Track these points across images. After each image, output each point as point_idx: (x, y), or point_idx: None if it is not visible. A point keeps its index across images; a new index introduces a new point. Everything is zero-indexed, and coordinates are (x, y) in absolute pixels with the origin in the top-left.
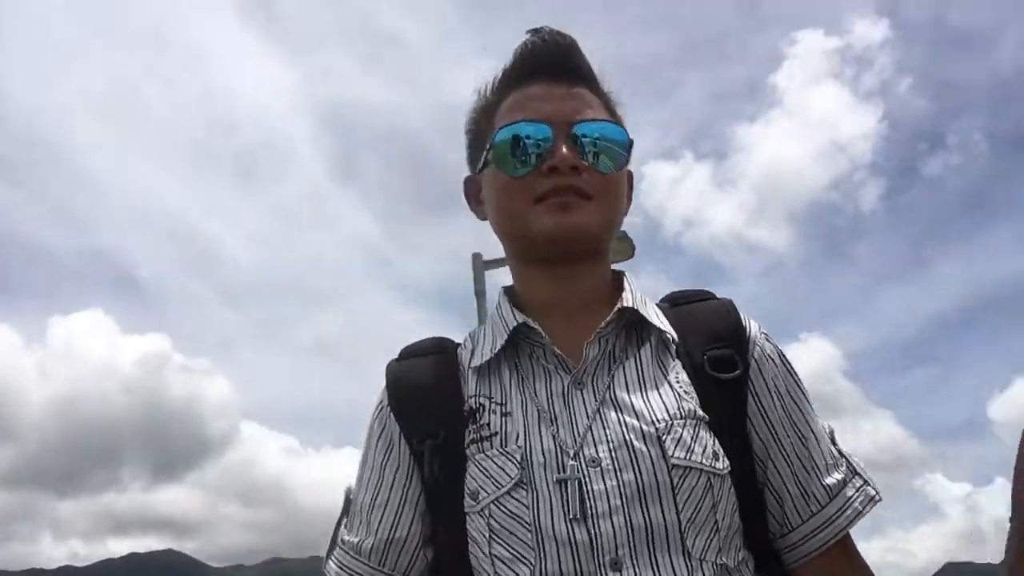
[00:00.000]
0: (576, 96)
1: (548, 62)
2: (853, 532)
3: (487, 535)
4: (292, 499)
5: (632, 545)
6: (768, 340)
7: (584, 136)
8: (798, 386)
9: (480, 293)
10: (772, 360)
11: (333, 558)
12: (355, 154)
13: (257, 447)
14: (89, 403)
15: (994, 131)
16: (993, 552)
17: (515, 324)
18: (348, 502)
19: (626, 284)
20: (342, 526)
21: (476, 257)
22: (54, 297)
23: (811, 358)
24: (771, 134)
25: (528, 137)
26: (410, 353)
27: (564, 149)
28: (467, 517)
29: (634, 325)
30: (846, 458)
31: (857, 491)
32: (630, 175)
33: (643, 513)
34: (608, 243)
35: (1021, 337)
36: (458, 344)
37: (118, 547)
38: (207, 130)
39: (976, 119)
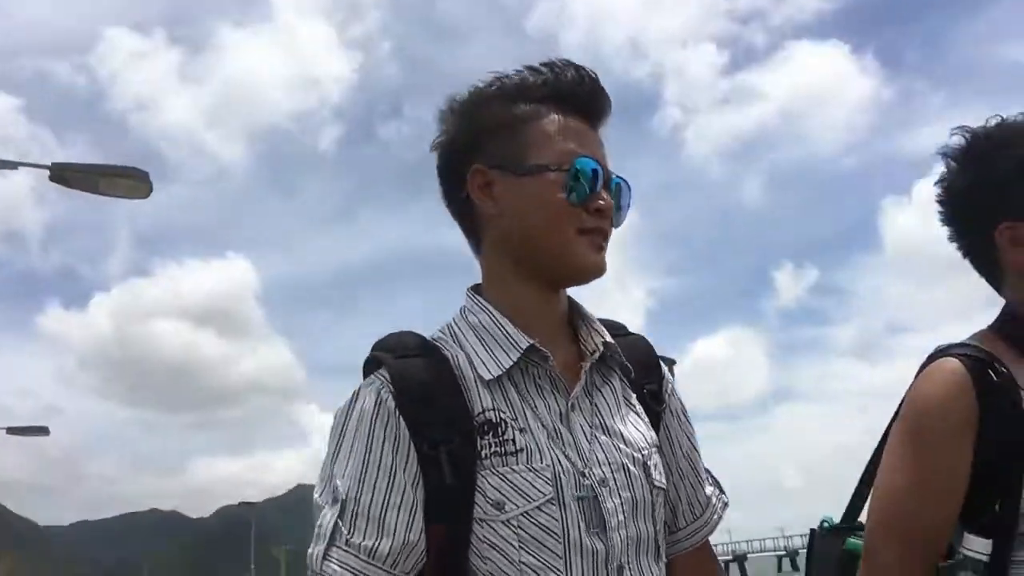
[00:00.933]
0: (604, 144)
1: (588, 99)
2: None
3: (516, 544)
4: None
5: (630, 554)
6: (669, 374)
7: (619, 190)
8: (686, 412)
9: None
10: (675, 393)
11: (336, 561)
12: None
13: None
14: None
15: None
16: None
17: (526, 345)
18: (336, 496)
19: (586, 312)
20: (339, 526)
21: None
22: None
23: (230, 277)
24: (253, 47)
25: (596, 173)
26: (403, 351)
27: (606, 194)
28: (480, 525)
29: (604, 353)
30: (709, 472)
31: (718, 499)
32: None
33: (636, 527)
34: None
35: (416, 298)
36: (437, 344)
37: None
38: None
39: (434, 101)
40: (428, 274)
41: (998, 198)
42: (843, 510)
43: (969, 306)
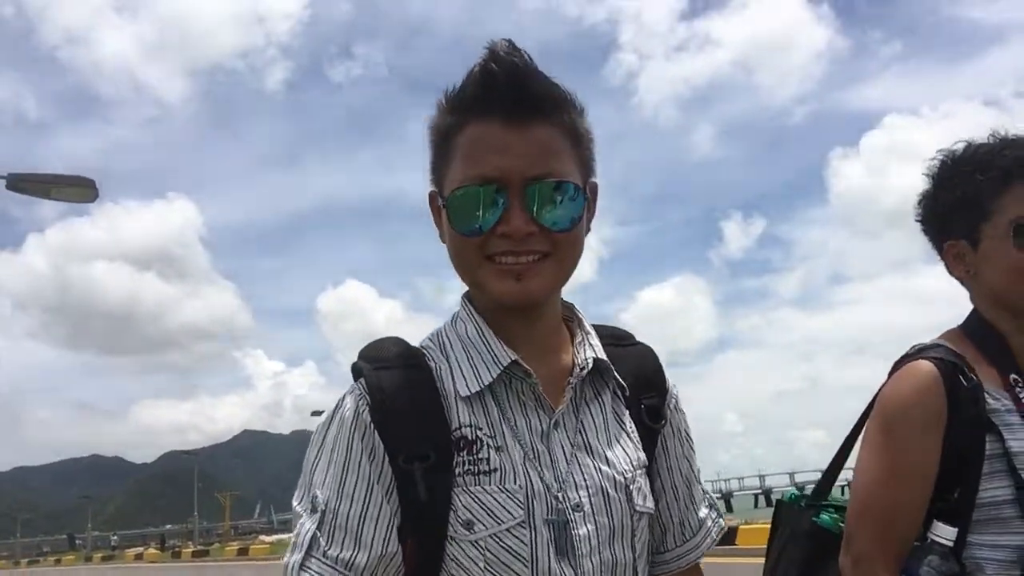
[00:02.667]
0: (534, 140)
1: (507, 96)
2: None
3: (482, 565)
4: None
5: None
6: (675, 387)
7: (538, 197)
8: (689, 432)
9: None
10: (680, 409)
11: (313, 571)
12: None
13: None
14: None
15: (396, 64)
16: (283, 424)
17: (508, 362)
18: (315, 506)
19: (585, 325)
20: (317, 536)
21: None
22: None
23: (173, 219)
24: None
25: (482, 200)
26: (383, 362)
27: (517, 214)
28: (451, 543)
29: (596, 368)
30: (707, 495)
31: (714, 522)
32: (594, 187)
33: (611, 552)
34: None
35: (367, 245)
36: (422, 353)
37: None
38: None
39: (385, 45)
40: (378, 221)
41: (944, 221)
42: (778, 456)
43: (908, 259)
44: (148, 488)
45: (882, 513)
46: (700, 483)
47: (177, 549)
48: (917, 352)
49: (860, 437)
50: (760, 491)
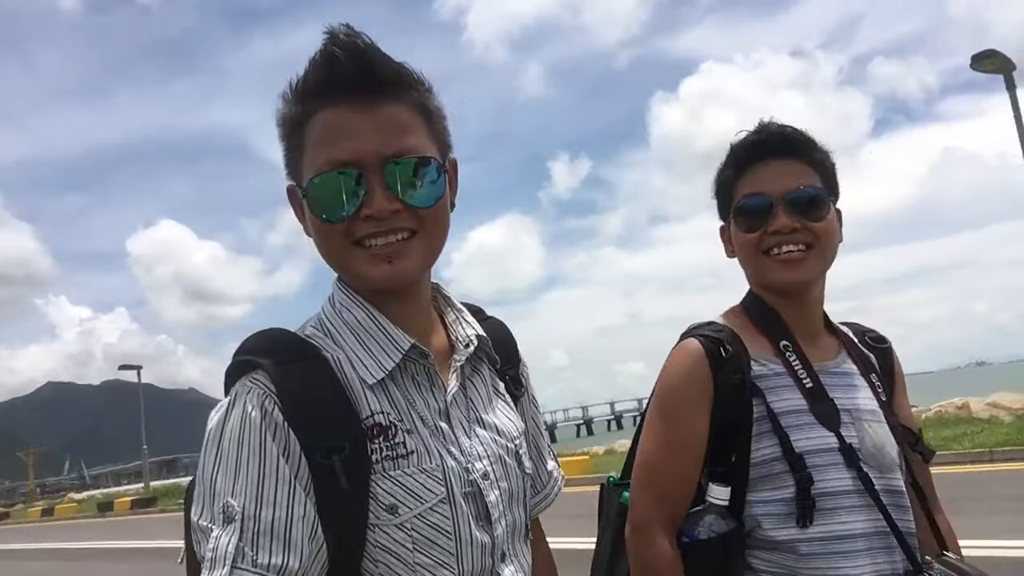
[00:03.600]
0: (385, 119)
1: (350, 78)
2: None
3: (410, 546)
4: None
5: (510, 541)
6: (522, 354)
7: (398, 175)
8: (534, 392)
9: None
10: (528, 375)
11: None
12: None
13: None
14: None
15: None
16: (93, 375)
17: (408, 346)
18: (230, 515)
19: (454, 302)
20: (240, 547)
21: None
22: None
23: None
24: None
25: (341, 186)
26: (281, 356)
27: (379, 194)
28: (372, 530)
29: (474, 344)
30: (551, 449)
31: (559, 474)
32: (453, 163)
33: (513, 515)
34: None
35: (175, 183)
36: (311, 343)
37: None
38: None
39: None
40: (195, 158)
41: (717, 204)
42: (601, 388)
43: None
44: None
45: (658, 482)
46: (545, 437)
47: None
48: (689, 331)
49: None
50: (582, 421)
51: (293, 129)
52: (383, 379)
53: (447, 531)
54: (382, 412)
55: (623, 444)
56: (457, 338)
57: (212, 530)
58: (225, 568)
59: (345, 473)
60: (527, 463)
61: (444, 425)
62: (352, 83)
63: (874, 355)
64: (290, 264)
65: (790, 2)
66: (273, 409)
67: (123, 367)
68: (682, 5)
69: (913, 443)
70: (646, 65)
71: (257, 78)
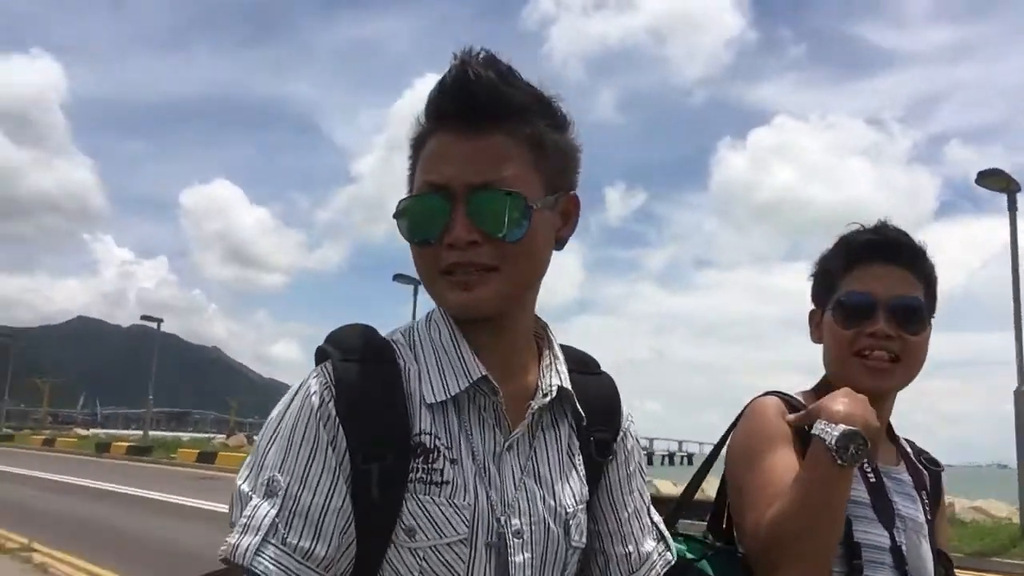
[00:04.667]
0: (482, 148)
1: (457, 106)
2: None
3: (416, 574)
4: None
5: None
6: (632, 421)
7: (481, 205)
8: (641, 464)
9: None
10: (632, 441)
11: (269, 558)
12: None
13: None
14: None
15: None
16: (124, 317)
17: (479, 376)
18: (273, 489)
19: (555, 347)
20: (276, 522)
21: None
22: None
23: (33, 77)
24: None
25: (427, 209)
26: (352, 352)
27: (460, 223)
28: (392, 547)
29: (559, 395)
30: (656, 526)
31: (660, 556)
32: (573, 200)
33: None
34: (528, 302)
35: (237, 147)
36: (392, 347)
37: None
38: None
39: None
40: (261, 125)
41: (813, 289)
42: None
43: (769, 255)
44: None
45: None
46: (650, 515)
47: None
48: (764, 393)
49: (714, 485)
50: None
51: (414, 150)
52: (444, 402)
53: (458, 573)
54: (430, 434)
55: None
56: (541, 384)
57: (252, 498)
58: (257, 538)
59: (379, 483)
60: (578, 536)
61: (493, 467)
62: (457, 111)
63: (927, 474)
64: (332, 244)
65: (875, 70)
66: (329, 401)
67: (145, 317)
68: (767, 55)
69: (946, 569)
70: (719, 108)
71: (335, 59)
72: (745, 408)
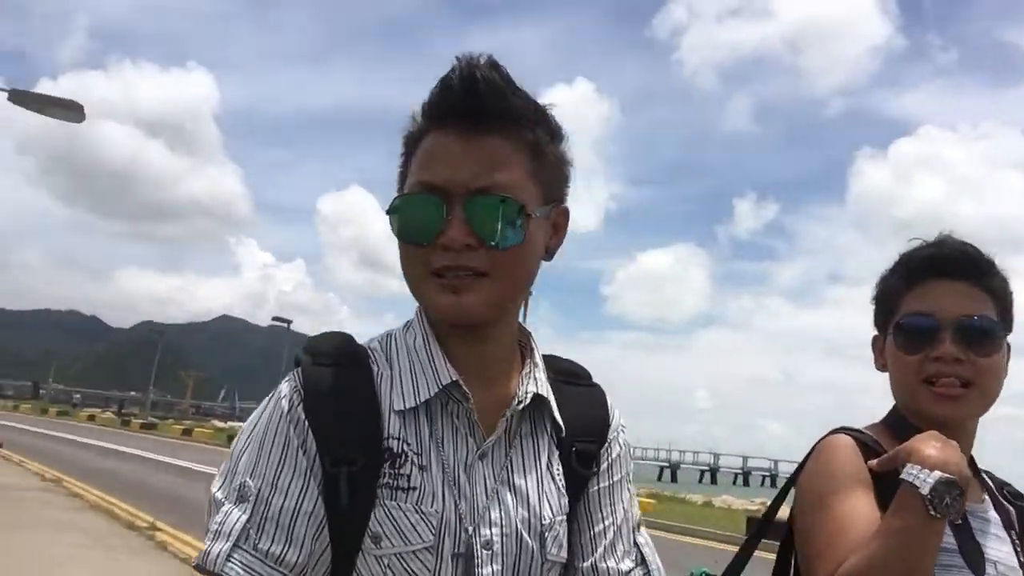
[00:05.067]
0: (483, 151)
1: (461, 107)
2: None
3: None
4: None
5: None
6: (621, 433)
7: (478, 210)
8: (627, 476)
9: None
10: (620, 452)
11: (240, 564)
12: None
13: None
14: None
15: None
16: (263, 316)
17: (448, 381)
18: (245, 495)
19: (535, 356)
20: (247, 528)
21: None
22: None
23: (189, 90)
24: None
25: (423, 209)
26: (324, 357)
27: (456, 225)
28: (361, 554)
29: (536, 404)
30: (639, 547)
31: None
32: (563, 212)
33: None
34: (512, 311)
35: (371, 155)
36: (367, 353)
37: None
38: None
39: None
40: (394, 134)
41: (874, 314)
42: (736, 438)
43: None
44: (119, 353)
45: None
46: (632, 535)
47: (128, 417)
48: (834, 430)
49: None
50: (709, 468)
51: (407, 149)
52: (414, 409)
53: None
54: (399, 439)
55: (724, 501)
56: (518, 393)
57: (224, 504)
58: (228, 544)
59: (348, 488)
60: (555, 549)
61: (463, 476)
62: (460, 112)
63: (1014, 511)
64: None
65: None
66: (298, 404)
67: (276, 319)
68: (913, 62)
69: None
70: (859, 118)
71: None
72: (815, 446)
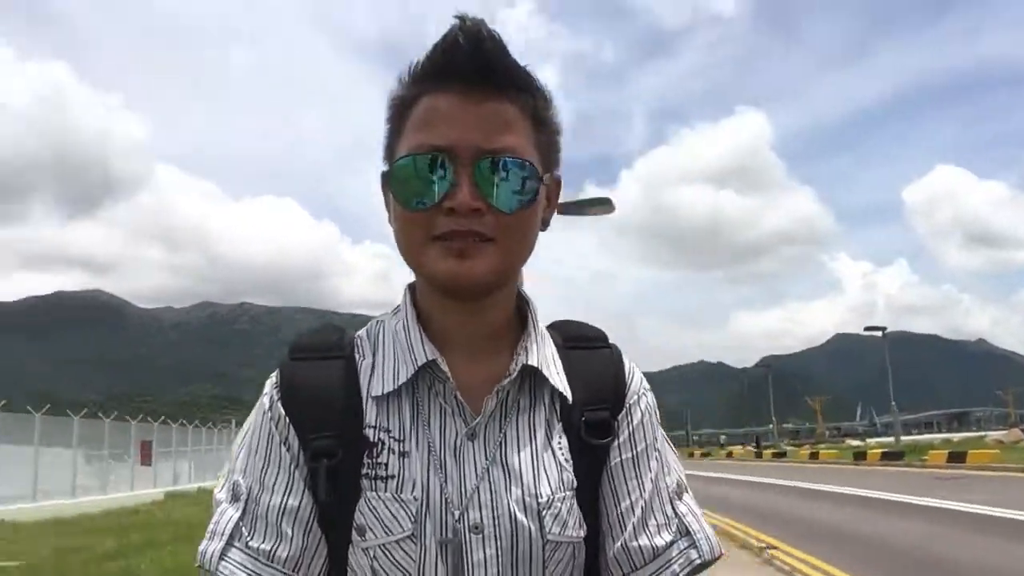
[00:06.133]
0: (491, 113)
1: (468, 66)
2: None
3: (369, 574)
4: (214, 245)
5: None
6: (643, 396)
7: (488, 172)
8: (655, 442)
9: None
10: (642, 419)
11: (234, 562)
12: None
13: (174, 191)
14: None
15: None
16: (877, 322)
17: (423, 361)
18: (237, 494)
19: (530, 323)
20: (240, 526)
21: None
22: None
23: (743, 133)
24: None
25: (429, 171)
26: (305, 350)
27: (465, 188)
28: (351, 547)
29: (532, 374)
30: (679, 517)
31: (680, 553)
32: (557, 180)
33: None
34: (514, 279)
35: (947, 127)
36: (348, 344)
37: (35, 283)
38: None
39: None
40: (964, 97)
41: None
42: None
43: None
44: (747, 390)
45: None
46: (671, 504)
47: (761, 450)
48: None
49: None
50: None
51: (398, 111)
52: (395, 393)
53: (409, 573)
54: (375, 427)
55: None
56: (511, 366)
57: (222, 504)
58: (221, 542)
59: (329, 481)
60: (555, 527)
61: (451, 459)
62: (467, 71)
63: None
64: None
65: None
66: (277, 399)
67: (868, 328)
68: None
69: None
70: None
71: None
72: None
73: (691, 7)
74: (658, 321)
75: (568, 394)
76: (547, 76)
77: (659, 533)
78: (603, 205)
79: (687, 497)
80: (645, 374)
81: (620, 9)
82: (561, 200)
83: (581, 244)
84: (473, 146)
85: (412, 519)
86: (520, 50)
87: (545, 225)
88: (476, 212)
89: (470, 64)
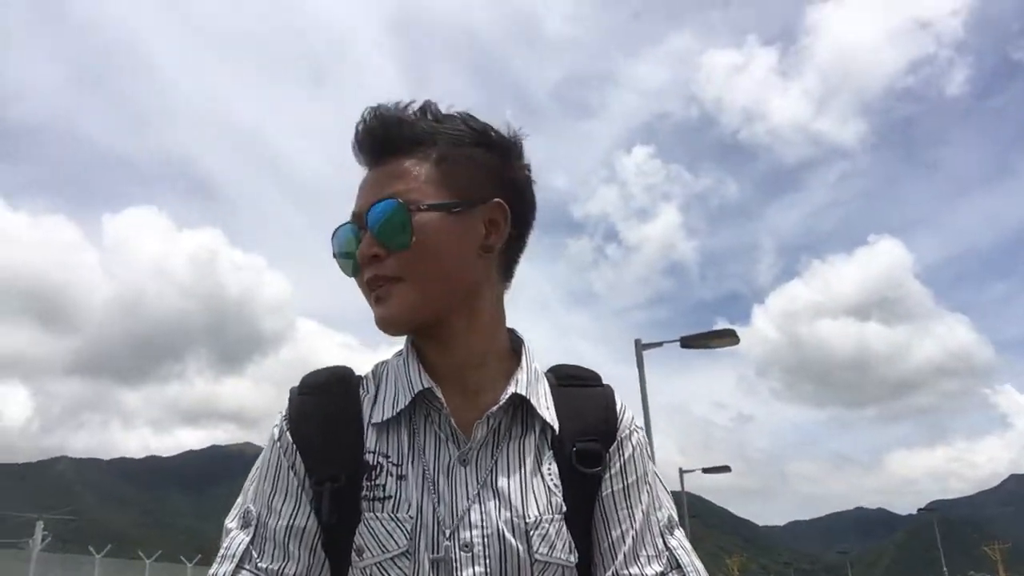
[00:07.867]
0: (382, 174)
1: (366, 143)
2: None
3: None
4: None
5: None
6: (634, 432)
7: (374, 220)
8: (646, 475)
9: (641, 379)
10: (632, 452)
11: None
12: (425, 61)
13: (315, 343)
14: (146, 297)
15: None
16: None
17: (420, 389)
18: (248, 520)
19: (523, 359)
20: (249, 549)
21: (637, 343)
22: (111, 196)
23: (880, 261)
24: (839, 13)
25: (345, 240)
26: (312, 387)
27: (365, 240)
28: (350, 568)
29: (523, 405)
30: (671, 551)
31: None
32: (500, 207)
33: None
34: (463, 311)
35: None
36: (358, 381)
37: (188, 438)
38: (275, 35)
39: None
40: None
41: None
42: None
43: None
44: (914, 540)
45: None
46: (662, 538)
47: None
48: None
49: None
50: None
51: None
52: (394, 421)
53: None
54: (375, 452)
55: None
56: (501, 397)
57: (232, 530)
58: (232, 565)
59: (332, 504)
60: (542, 548)
61: (443, 481)
62: (367, 148)
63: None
64: None
65: None
66: (286, 429)
67: None
68: None
69: None
70: None
71: None
72: None
73: (811, 142)
74: (809, 465)
75: (555, 424)
76: (669, 217)
77: (650, 564)
78: (728, 337)
79: (679, 532)
80: (798, 523)
81: (738, 149)
82: (686, 335)
83: (719, 383)
84: (367, 203)
85: (407, 536)
86: (637, 190)
87: (490, 252)
88: (376, 259)
89: (368, 140)
